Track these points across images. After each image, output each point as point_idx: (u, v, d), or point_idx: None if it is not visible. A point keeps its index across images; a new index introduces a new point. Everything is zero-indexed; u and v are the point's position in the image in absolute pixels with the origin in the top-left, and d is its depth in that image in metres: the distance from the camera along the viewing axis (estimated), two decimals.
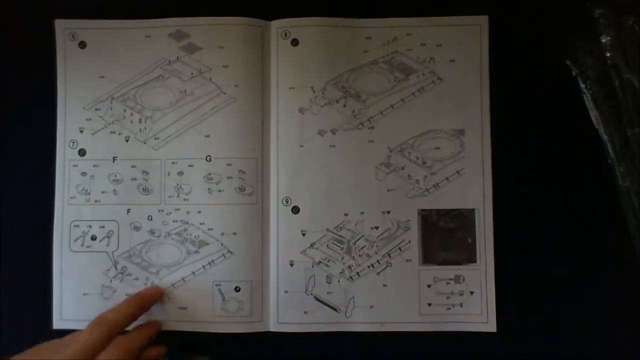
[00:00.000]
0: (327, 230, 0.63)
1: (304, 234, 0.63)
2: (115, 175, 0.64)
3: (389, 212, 0.63)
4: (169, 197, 0.64)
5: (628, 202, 0.61)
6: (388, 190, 0.63)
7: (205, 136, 0.64)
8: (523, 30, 0.64)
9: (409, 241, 0.63)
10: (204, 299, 0.63)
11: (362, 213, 0.63)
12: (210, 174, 0.64)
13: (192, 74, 0.64)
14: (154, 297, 0.63)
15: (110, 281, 0.64)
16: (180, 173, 0.64)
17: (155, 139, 0.64)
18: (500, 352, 0.62)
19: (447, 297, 0.63)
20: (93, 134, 0.65)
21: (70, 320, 0.64)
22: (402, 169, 0.63)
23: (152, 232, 0.64)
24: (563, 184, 0.63)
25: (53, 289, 0.64)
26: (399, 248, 0.63)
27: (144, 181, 0.64)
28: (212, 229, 0.63)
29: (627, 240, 0.61)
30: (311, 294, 0.63)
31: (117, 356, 0.55)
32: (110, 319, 0.56)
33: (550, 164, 0.63)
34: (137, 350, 0.58)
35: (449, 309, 0.63)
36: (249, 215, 0.64)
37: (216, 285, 0.63)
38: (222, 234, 0.63)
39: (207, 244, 0.63)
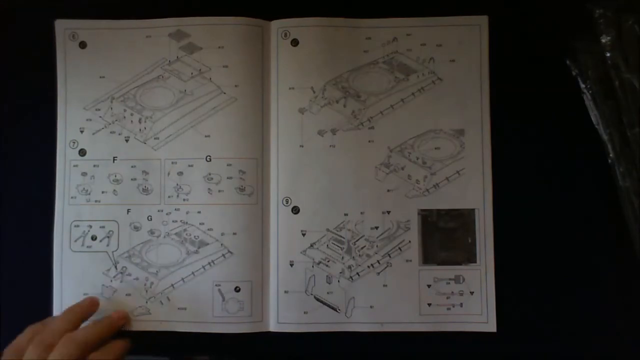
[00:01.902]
0: (327, 230, 0.63)
1: (304, 234, 0.63)
2: (115, 176, 0.64)
3: (389, 212, 0.63)
4: (169, 197, 0.64)
5: (628, 202, 0.61)
6: (388, 191, 0.63)
7: (205, 136, 0.64)
8: (523, 30, 0.64)
9: (409, 241, 0.63)
10: (204, 300, 0.63)
11: (362, 213, 0.63)
12: (210, 174, 0.64)
13: (192, 74, 0.64)
14: (122, 321, 0.62)
15: (111, 281, 0.64)
16: (180, 173, 0.64)
17: (155, 139, 0.64)
18: (500, 352, 0.62)
19: (447, 297, 0.63)
20: (93, 134, 0.65)
21: None
22: (402, 169, 0.63)
23: (151, 232, 0.64)
24: (563, 184, 0.63)
25: (53, 288, 0.64)
26: (399, 248, 0.63)
27: (144, 181, 0.64)
28: (211, 229, 0.63)
29: (627, 241, 0.61)
30: (311, 294, 0.63)
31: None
32: (80, 338, 0.56)
33: (550, 164, 0.63)
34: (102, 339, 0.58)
35: (449, 309, 0.62)
36: (249, 216, 0.64)
37: (216, 285, 0.63)
38: (222, 234, 0.63)
39: (207, 244, 0.63)
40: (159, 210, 0.64)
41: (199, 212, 0.64)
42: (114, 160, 0.65)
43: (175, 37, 0.65)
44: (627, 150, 0.61)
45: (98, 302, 0.63)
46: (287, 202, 0.63)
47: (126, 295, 0.64)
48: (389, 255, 0.63)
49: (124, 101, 0.65)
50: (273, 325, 0.63)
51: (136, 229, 0.64)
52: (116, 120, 0.65)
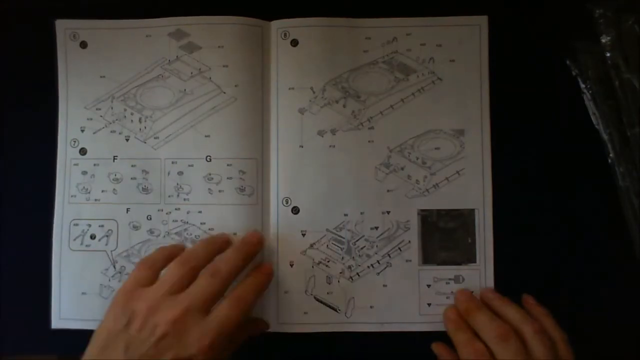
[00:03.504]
0: (327, 230, 0.63)
1: (303, 234, 0.63)
2: (115, 175, 0.64)
3: (388, 213, 0.63)
4: (169, 196, 0.64)
5: (628, 202, 0.61)
6: (388, 191, 0.63)
7: (205, 136, 0.64)
8: (523, 30, 0.64)
9: (409, 241, 0.63)
10: None
11: (362, 213, 0.63)
12: (210, 174, 0.64)
13: (191, 73, 0.64)
14: (259, 244, 0.61)
15: (109, 280, 0.64)
16: (180, 173, 0.64)
17: (155, 138, 0.64)
18: None
19: (447, 297, 0.62)
20: (94, 133, 0.65)
21: (69, 320, 0.64)
22: (402, 169, 0.63)
23: (151, 231, 0.64)
24: (563, 184, 0.63)
25: (52, 288, 0.64)
26: (399, 248, 0.63)
27: (144, 180, 0.64)
28: (212, 229, 0.63)
29: (627, 241, 0.61)
30: (311, 294, 0.63)
31: (235, 314, 0.53)
32: (223, 271, 0.55)
33: (550, 164, 0.63)
34: (253, 305, 0.56)
35: None
36: (249, 216, 0.63)
37: None
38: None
39: None
40: (158, 210, 0.64)
41: (200, 211, 0.63)
42: (114, 159, 0.65)
43: (175, 36, 0.65)
44: (627, 150, 0.61)
45: (228, 238, 0.61)
46: (287, 202, 0.63)
47: None
48: (388, 255, 0.63)
49: (125, 100, 0.65)
50: (273, 326, 0.63)
51: (135, 228, 0.64)
52: (116, 120, 0.65)
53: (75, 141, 0.65)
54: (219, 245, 0.59)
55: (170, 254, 0.57)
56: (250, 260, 0.59)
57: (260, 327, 0.62)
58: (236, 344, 0.58)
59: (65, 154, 0.65)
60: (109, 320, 0.52)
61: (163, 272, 0.56)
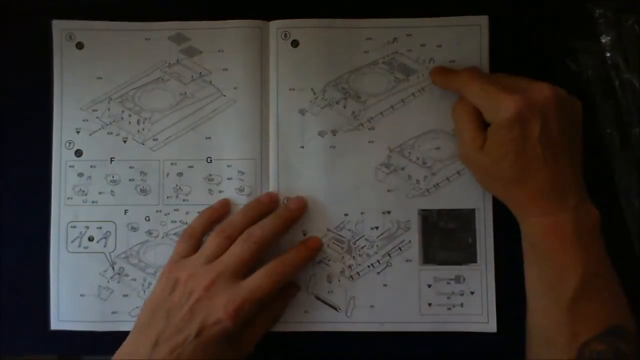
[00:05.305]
0: (328, 230, 0.63)
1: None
2: (113, 176, 0.64)
3: (389, 212, 0.63)
4: (167, 197, 0.64)
5: (628, 202, 0.61)
6: (388, 191, 0.63)
7: (206, 138, 0.64)
8: (523, 30, 0.64)
9: (409, 241, 0.63)
10: None
11: (362, 213, 0.63)
12: (211, 174, 0.63)
13: (192, 77, 0.64)
14: (300, 210, 0.63)
15: (108, 282, 0.64)
16: (180, 174, 0.64)
17: (153, 140, 0.64)
18: (500, 352, 0.62)
19: (448, 297, 0.63)
20: (90, 134, 0.64)
21: (67, 322, 0.64)
22: (403, 169, 0.63)
23: (149, 232, 0.64)
24: None
25: (50, 290, 0.64)
26: (399, 248, 0.63)
27: (142, 182, 0.64)
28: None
29: (627, 241, 0.62)
30: (312, 293, 0.63)
31: (266, 283, 0.56)
32: (256, 236, 0.58)
33: None
34: (289, 277, 0.59)
35: (449, 309, 0.63)
36: None
37: None
38: None
39: None
40: (157, 211, 0.64)
41: (199, 212, 0.63)
42: (111, 161, 0.64)
43: (175, 40, 0.64)
44: (627, 150, 0.61)
45: (277, 199, 0.63)
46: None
47: (123, 296, 0.63)
48: (389, 255, 0.63)
49: (122, 102, 0.64)
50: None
51: (134, 229, 0.64)
52: (114, 121, 0.64)
53: (70, 143, 0.64)
54: (260, 210, 0.62)
55: (209, 219, 0.62)
56: (289, 225, 0.62)
57: (291, 292, 0.63)
58: (276, 316, 0.62)
59: (60, 155, 0.64)
60: (157, 290, 0.58)
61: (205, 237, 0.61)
